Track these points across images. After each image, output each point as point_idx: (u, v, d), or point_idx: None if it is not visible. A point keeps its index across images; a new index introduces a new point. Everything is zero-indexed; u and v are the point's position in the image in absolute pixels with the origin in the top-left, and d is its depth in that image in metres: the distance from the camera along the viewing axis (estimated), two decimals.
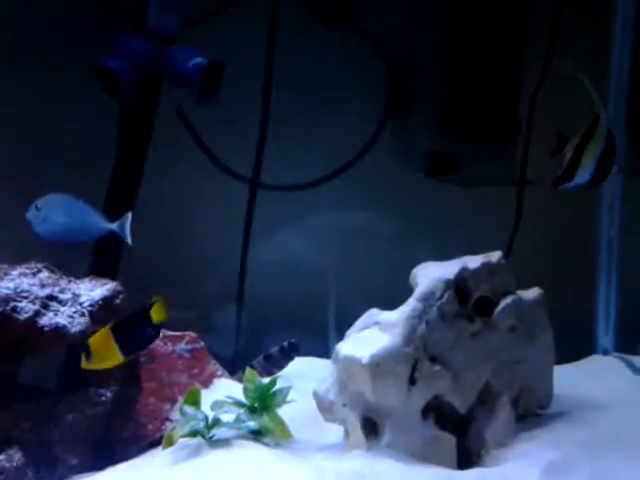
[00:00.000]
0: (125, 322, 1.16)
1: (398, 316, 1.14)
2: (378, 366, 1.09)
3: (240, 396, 1.22)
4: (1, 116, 1.55)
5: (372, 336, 1.13)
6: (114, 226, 1.35)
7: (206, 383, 1.39)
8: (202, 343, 1.44)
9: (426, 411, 1.14)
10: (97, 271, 1.36)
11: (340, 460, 1.09)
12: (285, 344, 1.52)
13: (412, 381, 1.12)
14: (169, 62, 1.39)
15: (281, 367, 1.50)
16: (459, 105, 1.75)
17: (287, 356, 1.51)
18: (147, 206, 1.56)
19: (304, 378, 1.39)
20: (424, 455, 1.12)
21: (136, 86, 1.38)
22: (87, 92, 1.46)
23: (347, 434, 1.16)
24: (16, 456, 1.14)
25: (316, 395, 1.18)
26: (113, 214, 1.42)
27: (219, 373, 1.43)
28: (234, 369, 1.53)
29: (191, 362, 1.40)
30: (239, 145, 1.65)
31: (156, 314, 1.16)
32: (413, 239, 1.71)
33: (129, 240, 1.34)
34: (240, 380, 1.44)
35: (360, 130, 1.69)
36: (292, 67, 1.64)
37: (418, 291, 1.16)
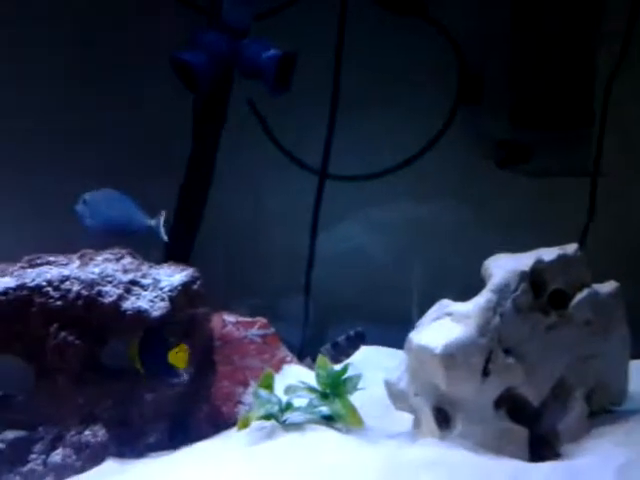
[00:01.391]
0: (150, 344, 1.17)
1: (472, 307, 1.13)
2: (452, 357, 1.09)
3: (309, 382, 1.24)
4: (79, 115, 1.60)
5: (445, 327, 1.13)
6: (152, 222, 1.37)
7: (276, 368, 1.42)
8: (272, 329, 1.47)
9: (499, 403, 1.14)
10: (171, 258, 1.41)
11: (413, 448, 1.10)
12: (352, 332, 1.54)
13: (485, 372, 1.12)
14: (243, 55, 1.42)
15: (348, 355, 1.52)
16: (531, 95, 1.72)
17: (354, 344, 1.53)
18: (219, 196, 1.60)
19: (370, 366, 1.41)
20: (496, 447, 1.12)
21: (211, 79, 1.41)
22: (163, 87, 1.50)
23: (418, 423, 1.17)
24: (100, 432, 1.19)
25: (387, 384, 1.19)
26: (188, 206, 1.45)
27: (288, 359, 1.46)
28: (301, 356, 1.56)
29: (262, 347, 1.43)
30: (308, 136, 1.67)
31: (174, 358, 1.18)
32: (483, 230, 1.69)
33: (164, 237, 1.37)
34: (308, 366, 1.47)
35: (431, 120, 1.68)
36: (361, 57, 1.65)
37: (492, 283, 1.15)
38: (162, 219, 1.37)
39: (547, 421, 1.18)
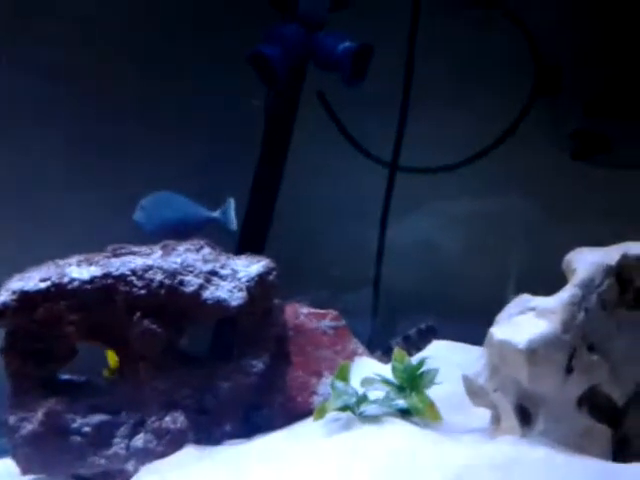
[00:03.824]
0: None
1: (556, 302, 1.10)
2: (535, 352, 1.07)
3: (382, 374, 1.24)
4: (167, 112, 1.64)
5: (528, 322, 1.11)
6: (216, 214, 1.38)
7: (348, 360, 1.42)
8: (343, 321, 1.47)
9: (581, 401, 1.11)
10: (244, 250, 1.42)
11: (494, 445, 1.08)
12: (423, 326, 1.53)
13: (569, 369, 1.09)
14: (319, 47, 1.42)
15: (419, 349, 1.51)
16: (610, 83, 1.66)
17: (425, 338, 1.52)
18: (289, 189, 1.61)
19: (441, 361, 1.39)
20: (578, 445, 1.09)
21: (287, 72, 1.42)
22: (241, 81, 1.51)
23: (496, 419, 1.15)
24: (180, 419, 1.22)
25: (466, 379, 1.17)
26: (260, 200, 1.46)
27: (360, 351, 1.45)
28: (370, 349, 1.56)
29: (334, 339, 1.43)
30: (379, 128, 1.67)
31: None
32: (556, 224, 1.66)
33: (233, 226, 1.37)
34: (379, 359, 1.47)
35: (505, 111, 1.65)
36: (435, 48, 1.63)
37: (577, 277, 1.12)
38: (232, 206, 1.38)
39: (631, 421, 1.14)
